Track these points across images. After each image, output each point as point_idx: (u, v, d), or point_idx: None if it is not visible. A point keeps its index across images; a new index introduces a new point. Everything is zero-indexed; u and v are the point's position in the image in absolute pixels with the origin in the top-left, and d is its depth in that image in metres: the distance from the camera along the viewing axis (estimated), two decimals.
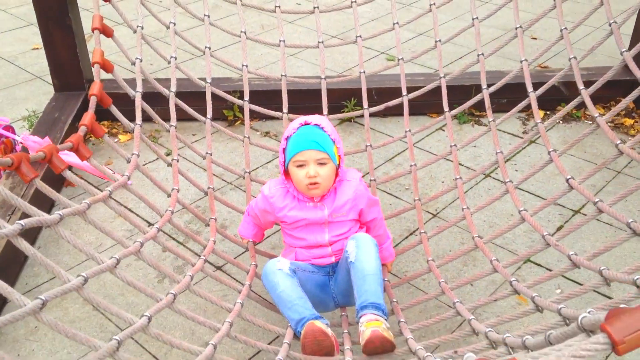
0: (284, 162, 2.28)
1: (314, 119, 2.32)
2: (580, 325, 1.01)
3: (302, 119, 2.32)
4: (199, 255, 2.26)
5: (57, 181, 3.39)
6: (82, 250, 1.70)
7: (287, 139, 2.27)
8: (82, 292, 1.54)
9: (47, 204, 3.29)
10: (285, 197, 2.33)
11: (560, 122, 4.01)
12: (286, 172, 2.30)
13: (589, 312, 1.01)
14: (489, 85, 2.95)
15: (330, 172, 2.23)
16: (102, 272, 1.67)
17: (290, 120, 2.92)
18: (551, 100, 4.00)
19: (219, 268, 2.88)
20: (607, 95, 4.05)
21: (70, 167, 3.51)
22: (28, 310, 1.37)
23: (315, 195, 2.26)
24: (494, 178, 3.48)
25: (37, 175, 1.94)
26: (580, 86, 2.60)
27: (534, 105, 2.73)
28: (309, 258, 2.31)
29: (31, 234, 3.07)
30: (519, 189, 3.31)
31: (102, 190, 2.06)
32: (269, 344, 2.44)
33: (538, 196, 3.34)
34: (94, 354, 1.38)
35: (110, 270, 1.71)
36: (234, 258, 2.93)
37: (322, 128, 2.26)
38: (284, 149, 2.27)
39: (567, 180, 2.34)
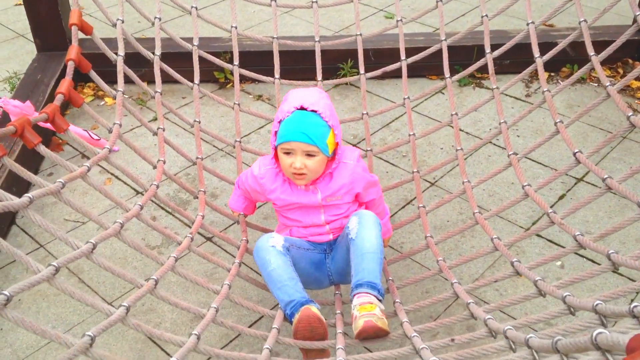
0: (274, 144, 2.12)
1: (311, 99, 2.10)
2: (595, 342, 0.90)
3: (300, 97, 2.11)
4: (189, 226, 2.15)
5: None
6: (55, 235, 1.58)
7: (280, 122, 2.09)
8: (54, 282, 1.43)
9: (30, 172, 3.17)
10: (275, 179, 2.19)
11: (561, 82, 3.85)
12: (276, 154, 2.15)
13: (602, 330, 0.90)
14: (492, 48, 2.78)
15: (319, 165, 2.08)
16: (76, 259, 1.55)
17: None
18: (555, 61, 3.82)
19: (208, 239, 2.78)
20: (614, 56, 3.88)
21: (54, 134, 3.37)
22: None
23: (300, 184, 2.14)
24: (494, 144, 3.35)
25: (40, 140, 1.84)
26: (591, 52, 2.44)
27: (541, 71, 2.58)
28: (305, 235, 2.21)
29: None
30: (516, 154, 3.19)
31: (88, 157, 1.93)
32: (257, 321, 2.37)
33: (540, 163, 3.22)
34: (65, 351, 1.28)
35: (86, 256, 1.60)
36: (225, 228, 2.83)
37: (320, 114, 2.06)
38: (276, 132, 2.10)
39: (574, 154, 2.21)
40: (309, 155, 2.05)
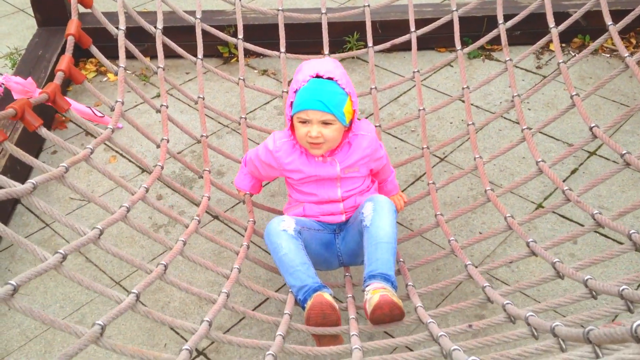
0: (290, 115, 2.07)
1: (326, 67, 2.06)
2: (635, 333, 0.85)
3: (314, 66, 2.07)
4: (196, 204, 2.11)
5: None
6: (61, 221, 1.54)
7: (296, 91, 2.04)
8: (61, 270, 1.39)
9: (34, 150, 3.13)
10: (292, 152, 2.13)
11: (575, 54, 3.76)
12: (293, 125, 2.10)
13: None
14: (505, 19, 2.69)
15: (336, 133, 2.03)
16: (83, 246, 1.51)
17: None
18: (566, 32, 3.73)
19: (215, 217, 2.74)
20: (627, 26, 3.77)
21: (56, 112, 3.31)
22: None
23: (316, 154, 2.09)
24: (504, 118, 3.28)
25: (42, 123, 1.80)
26: (609, 21, 2.35)
27: (556, 42, 2.50)
28: (318, 214, 2.16)
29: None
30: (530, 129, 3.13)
31: (93, 136, 1.87)
32: (266, 300, 2.34)
33: (552, 137, 3.15)
34: (76, 341, 1.25)
35: (93, 242, 1.55)
36: (232, 206, 2.79)
37: (337, 82, 2.01)
38: (292, 102, 2.05)
39: (590, 129, 2.15)
40: (326, 124, 2.00)
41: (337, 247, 2.16)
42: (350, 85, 2.07)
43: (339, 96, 2.00)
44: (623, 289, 1.28)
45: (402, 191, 2.79)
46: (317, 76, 2.02)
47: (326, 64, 2.10)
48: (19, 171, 2.86)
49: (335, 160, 2.11)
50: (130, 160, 3.08)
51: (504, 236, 2.60)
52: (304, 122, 2.01)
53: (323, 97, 1.97)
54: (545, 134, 3.16)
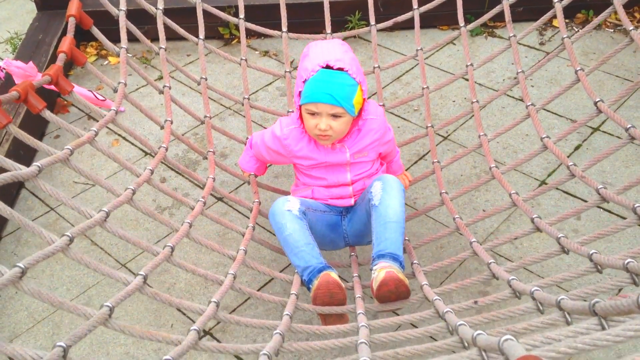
0: (299, 104, 2.04)
1: (335, 54, 2.00)
2: None
3: (323, 53, 2.00)
4: (200, 186, 2.11)
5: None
6: (67, 203, 1.54)
7: (305, 82, 1.99)
8: (68, 253, 1.40)
9: (37, 134, 3.13)
10: (300, 140, 2.11)
11: (578, 30, 3.73)
12: (301, 114, 2.07)
13: None
14: None
15: (344, 125, 2.01)
16: (89, 228, 1.52)
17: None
18: (570, 7, 3.69)
19: (220, 199, 2.75)
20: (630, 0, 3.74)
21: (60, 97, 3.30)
22: (7, 278, 1.23)
23: (324, 144, 2.07)
24: (508, 95, 3.26)
25: (46, 105, 1.79)
26: None
27: (560, 17, 2.47)
28: (327, 198, 2.15)
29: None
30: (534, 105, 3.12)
31: (96, 120, 1.86)
32: (271, 280, 2.35)
33: (555, 114, 3.13)
34: (84, 322, 1.26)
35: (99, 225, 1.56)
36: (236, 187, 2.79)
37: (347, 72, 1.96)
38: (300, 92, 2.01)
39: (595, 104, 2.13)
40: (335, 116, 1.97)
41: (343, 229, 2.17)
42: (360, 72, 2.03)
43: (349, 88, 1.95)
44: (628, 262, 1.28)
45: (406, 170, 2.79)
46: (327, 66, 1.96)
47: (335, 50, 2.04)
48: (23, 156, 2.86)
49: (345, 146, 2.10)
50: (133, 144, 3.08)
51: (508, 214, 2.60)
52: (312, 113, 1.99)
53: (333, 90, 1.92)
54: (549, 111, 3.15)
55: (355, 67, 2.00)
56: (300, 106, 2.03)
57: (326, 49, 2.04)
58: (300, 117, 2.06)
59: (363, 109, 2.05)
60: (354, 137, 2.10)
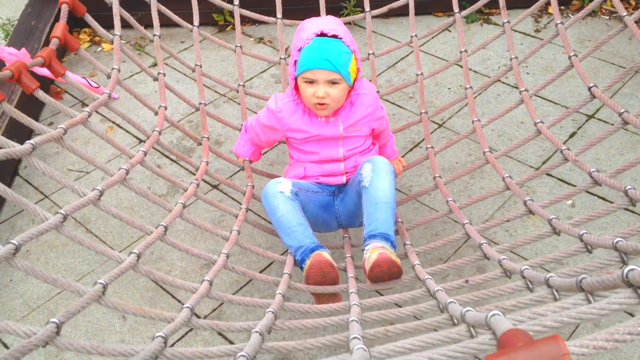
0: (294, 75, 2.05)
1: (329, 25, 2.04)
2: (626, 278, 0.87)
3: (317, 24, 2.04)
4: (194, 174, 2.11)
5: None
6: (60, 182, 1.54)
7: (300, 50, 2.01)
8: (62, 230, 1.40)
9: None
10: (294, 112, 2.12)
11: (572, 16, 3.73)
12: (297, 85, 2.08)
13: (634, 266, 0.86)
14: None
15: (342, 93, 2.02)
16: (83, 206, 1.52)
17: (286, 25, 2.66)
18: None
19: (214, 187, 2.75)
20: None
21: (51, 82, 3.29)
22: (1, 254, 1.23)
23: (322, 115, 2.08)
24: (503, 82, 3.27)
25: (39, 85, 1.79)
26: None
27: (554, 3, 2.47)
28: (319, 174, 2.16)
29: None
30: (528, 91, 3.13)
31: (87, 105, 1.86)
32: (267, 267, 2.36)
33: (550, 101, 3.14)
34: (78, 299, 1.26)
35: (93, 203, 1.56)
36: (230, 175, 2.80)
37: (342, 39, 1.99)
38: (295, 61, 2.03)
39: (589, 89, 2.14)
40: (333, 83, 1.98)
41: (335, 209, 2.17)
42: (354, 42, 2.05)
43: (345, 55, 1.98)
44: (617, 241, 1.29)
45: (401, 157, 2.80)
46: (322, 34, 1.99)
47: (329, 21, 2.08)
48: (16, 142, 2.85)
49: (338, 119, 2.11)
50: (127, 131, 3.08)
51: (502, 200, 2.61)
52: (310, 82, 1.99)
53: (329, 55, 1.94)
54: (544, 98, 3.15)
55: (349, 37, 2.03)
56: (296, 78, 2.04)
57: (320, 21, 2.08)
58: (296, 87, 2.07)
59: (357, 80, 2.07)
60: (347, 110, 2.11)
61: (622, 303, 0.88)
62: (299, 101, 2.10)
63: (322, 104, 2.01)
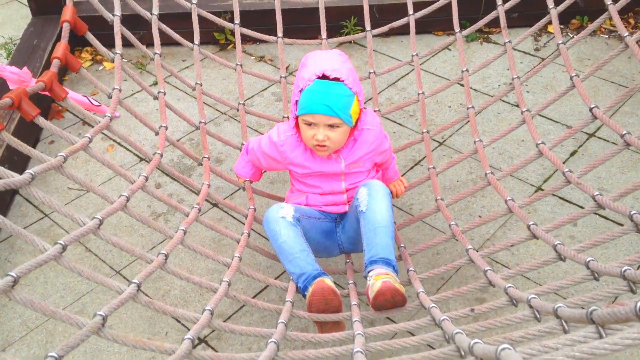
0: (295, 114, 2.02)
1: (332, 64, 1.97)
2: (638, 312, 0.85)
3: (320, 63, 1.99)
4: (195, 192, 2.10)
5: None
6: (60, 211, 1.53)
7: (301, 91, 1.97)
8: (61, 262, 1.38)
9: (31, 140, 3.11)
10: (296, 147, 2.10)
11: (573, 36, 3.74)
12: (297, 123, 2.06)
13: None
14: (503, 0, 2.66)
15: (342, 135, 1.99)
16: (83, 236, 1.50)
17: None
18: (564, 14, 3.68)
19: (215, 205, 2.74)
20: (625, 7, 3.74)
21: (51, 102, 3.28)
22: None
23: (322, 155, 2.06)
24: (503, 101, 3.27)
25: (39, 112, 1.78)
26: (608, 1, 2.33)
27: (555, 23, 2.47)
28: (321, 204, 2.15)
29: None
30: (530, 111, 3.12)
31: (91, 125, 1.85)
32: (266, 287, 2.34)
33: (551, 119, 3.14)
34: (77, 332, 1.24)
35: (92, 233, 1.55)
36: (231, 193, 2.78)
37: (343, 82, 1.94)
38: (297, 101, 2.00)
39: (590, 110, 2.13)
40: (332, 127, 1.96)
41: (338, 236, 2.16)
42: (357, 82, 2.01)
43: (346, 98, 1.94)
44: (625, 270, 1.27)
45: (402, 176, 2.79)
46: (324, 76, 1.95)
47: (332, 60, 2.02)
48: (17, 162, 2.84)
49: (340, 157, 2.09)
50: (128, 149, 3.07)
51: (504, 220, 2.60)
52: (309, 124, 1.97)
53: (329, 100, 1.91)
54: (545, 117, 3.15)
55: (352, 78, 1.98)
56: (297, 116, 2.01)
57: (323, 59, 2.02)
58: (297, 125, 2.05)
59: (360, 119, 2.04)
60: (350, 147, 2.08)
61: (635, 338, 0.86)
62: (300, 139, 2.08)
63: (322, 146, 1.99)
